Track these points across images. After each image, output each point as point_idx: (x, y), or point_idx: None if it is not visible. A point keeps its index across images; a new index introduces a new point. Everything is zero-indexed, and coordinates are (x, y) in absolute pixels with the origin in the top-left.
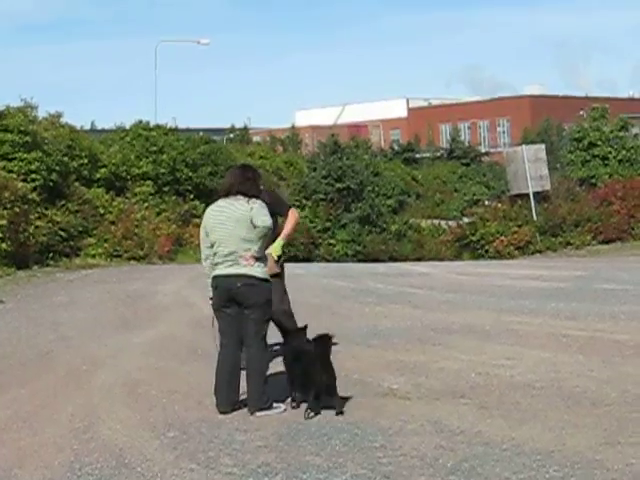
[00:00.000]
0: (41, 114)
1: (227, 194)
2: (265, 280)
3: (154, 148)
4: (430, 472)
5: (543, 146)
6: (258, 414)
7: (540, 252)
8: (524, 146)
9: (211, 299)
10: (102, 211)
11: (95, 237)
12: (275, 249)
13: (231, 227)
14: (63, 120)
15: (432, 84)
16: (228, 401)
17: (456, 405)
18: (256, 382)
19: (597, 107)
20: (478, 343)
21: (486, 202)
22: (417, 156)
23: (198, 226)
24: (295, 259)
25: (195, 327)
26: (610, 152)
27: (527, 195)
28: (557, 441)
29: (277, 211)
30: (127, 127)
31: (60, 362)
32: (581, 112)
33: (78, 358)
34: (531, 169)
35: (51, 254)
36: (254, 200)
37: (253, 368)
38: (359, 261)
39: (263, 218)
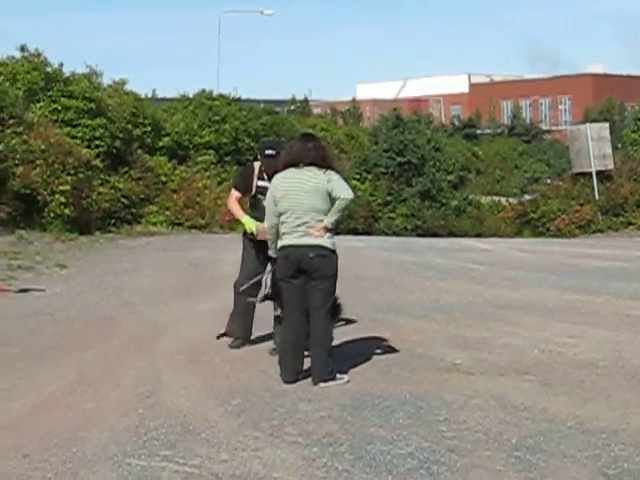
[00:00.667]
0: (105, 81)
1: (298, 164)
2: (334, 252)
3: (217, 118)
4: (495, 447)
5: (607, 125)
6: (322, 385)
7: (601, 231)
8: (588, 124)
9: (276, 269)
10: (164, 179)
11: (157, 205)
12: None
13: (304, 197)
14: (127, 88)
15: (494, 60)
16: (293, 371)
17: (520, 381)
18: (321, 353)
19: None
20: (540, 320)
21: (547, 180)
22: (478, 132)
23: None
24: (355, 232)
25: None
26: None
27: (590, 174)
28: (621, 420)
29: None
30: (190, 96)
31: (123, 327)
32: None
33: (141, 324)
34: (594, 148)
35: (113, 221)
36: (331, 172)
37: (318, 339)
38: (418, 236)
39: (347, 190)
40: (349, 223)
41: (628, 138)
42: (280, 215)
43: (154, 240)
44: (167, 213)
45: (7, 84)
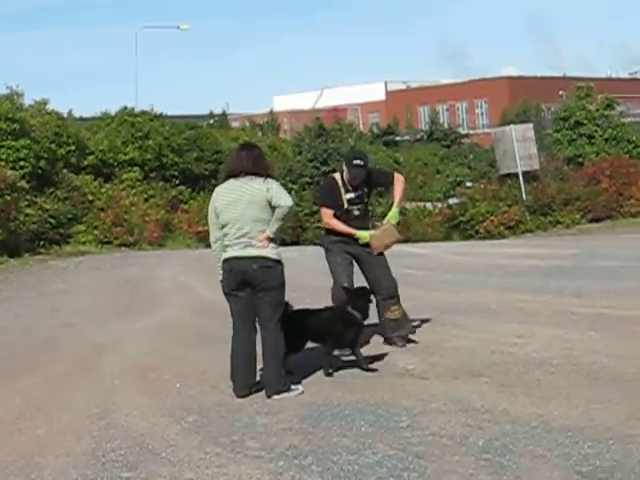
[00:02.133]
0: (27, 102)
1: (237, 174)
2: (279, 262)
3: (140, 134)
4: (463, 451)
5: (531, 125)
6: (276, 397)
7: (530, 231)
8: (512, 126)
9: (222, 282)
10: (91, 198)
11: (85, 224)
12: (394, 217)
13: (244, 208)
14: (49, 107)
15: (410, 67)
16: (245, 385)
17: (476, 384)
18: (273, 365)
19: (582, 86)
20: (486, 322)
21: (468, 184)
22: (397, 139)
23: (186, 212)
24: (283, 243)
25: (196, 312)
26: (596, 131)
27: (516, 175)
28: (585, 417)
29: (380, 182)
30: (112, 114)
31: (66, 349)
32: (560, 92)
33: (83, 344)
34: (520, 149)
35: (42, 242)
36: (270, 180)
37: (270, 351)
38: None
39: (286, 198)
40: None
41: (551, 138)
42: (222, 227)
43: (85, 260)
44: (95, 232)
45: None
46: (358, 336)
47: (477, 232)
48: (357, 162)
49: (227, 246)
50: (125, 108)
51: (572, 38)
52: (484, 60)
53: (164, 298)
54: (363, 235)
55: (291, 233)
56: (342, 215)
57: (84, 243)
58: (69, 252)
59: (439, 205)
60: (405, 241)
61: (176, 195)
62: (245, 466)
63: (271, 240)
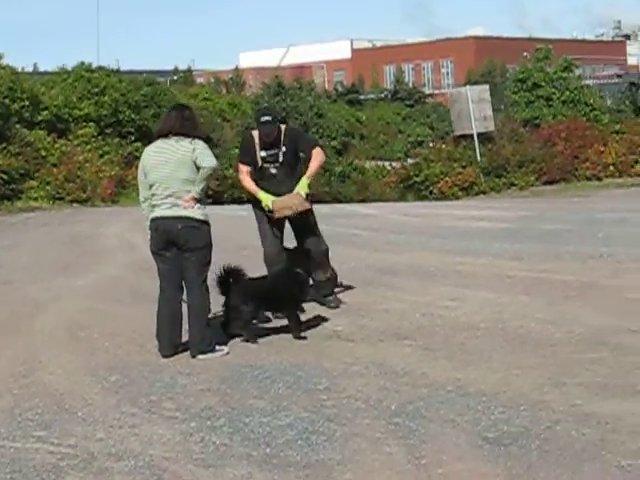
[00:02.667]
0: None
1: (167, 135)
2: (205, 222)
3: (96, 90)
4: (374, 414)
5: (487, 87)
6: (200, 357)
7: (484, 193)
8: (468, 87)
9: (150, 241)
10: (44, 153)
11: (37, 180)
12: (302, 187)
13: (172, 168)
14: (3, 62)
15: (376, 26)
16: (170, 345)
17: (400, 347)
18: (198, 325)
19: (541, 48)
20: (422, 284)
21: (430, 144)
22: (361, 97)
23: None
24: (239, 201)
25: (138, 270)
26: (554, 93)
27: (471, 136)
28: (502, 382)
29: (302, 147)
30: (69, 69)
31: (0, 306)
32: (525, 54)
33: (19, 302)
34: (475, 110)
35: None
36: (197, 141)
37: (195, 311)
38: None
39: (209, 159)
40: (233, 192)
41: (509, 99)
42: (150, 187)
43: (35, 215)
44: (48, 188)
45: None
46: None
47: (431, 193)
48: (264, 118)
49: (154, 206)
50: (82, 64)
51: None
52: (451, 20)
53: (108, 255)
54: (264, 197)
55: (247, 191)
56: (257, 173)
57: (36, 199)
58: (20, 208)
59: (396, 165)
60: (362, 200)
61: (132, 152)
62: (157, 427)
63: (197, 200)
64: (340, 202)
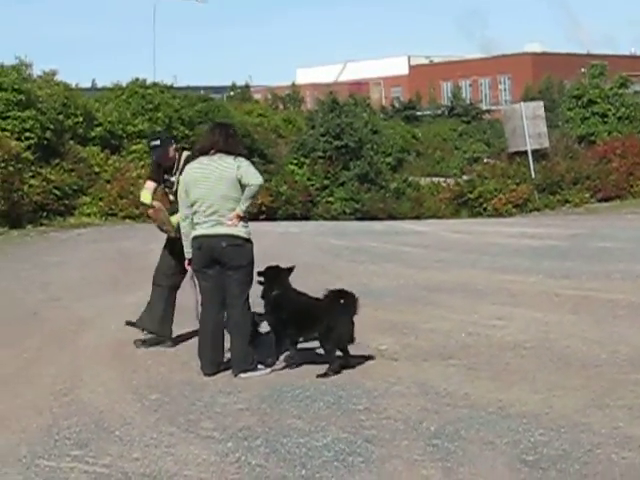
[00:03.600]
0: (36, 72)
1: (208, 152)
2: (249, 240)
3: (150, 106)
4: (413, 436)
5: (542, 103)
6: (242, 376)
7: (538, 210)
8: (522, 103)
9: (190, 260)
10: (97, 169)
11: (90, 196)
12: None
13: (215, 185)
14: (58, 78)
15: (433, 42)
16: (212, 363)
17: (444, 366)
18: (240, 343)
19: (596, 64)
20: (470, 302)
21: (485, 160)
22: (418, 114)
23: None
24: (293, 217)
25: (184, 287)
26: (609, 109)
27: (525, 153)
28: (544, 404)
29: None
30: (124, 85)
31: (47, 322)
32: (582, 69)
33: (65, 318)
34: (529, 126)
35: (45, 213)
36: (241, 158)
37: (237, 329)
38: (357, 219)
39: (256, 176)
40: (287, 209)
41: (564, 116)
42: (192, 205)
43: (86, 232)
44: (101, 204)
45: None
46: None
47: (485, 210)
48: (153, 143)
49: (197, 224)
50: (137, 79)
51: (597, 14)
52: (509, 36)
53: (148, 271)
54: (145, 195)
55: (301, 207)
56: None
57: (89, 215)
58: (72, 224)
59: (450, 181)
60: (416, 217)
61: None
62: (194, 446)
63: (241, 218)
64: (394, 219)
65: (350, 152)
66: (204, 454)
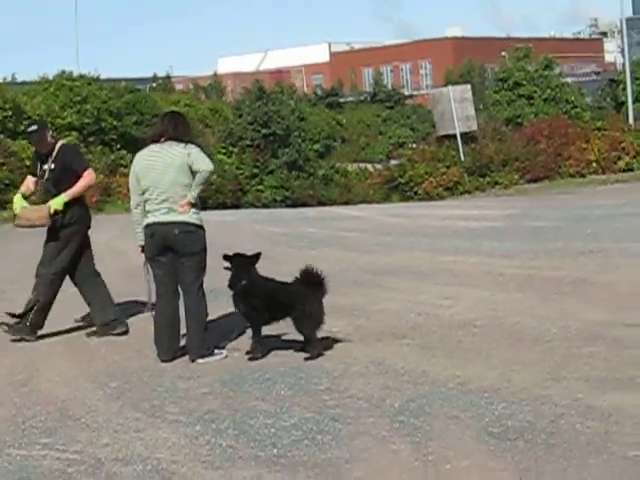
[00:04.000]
0: None
1: (159, 140)
2: (201, 227)
3: (78, 98)
4: (378, 413)
5: (469, 86)
6: (200, 361)
7: (469, 192)
8: (450, 87)
9: (142, 247)
10: (28, 163)
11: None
12: (56, 203)
13: (166, 172)
14: None
15: (353, 28)
16: (169, 350)
17: (399, 346)
18: (196, 329)
19: (521, 47)
20: (415, 284)
21: (411, 145)
22: (341, 100)
23: (125, 176)
24: (224, 206)
25: (129, 277)
26: (535, 91)
27: (454, 136)
28: (502, 378)
29: (73, 166)
30: (50, 78)
31: None
32: (502, 53)
33: (13, 310)
34: (458, 110)
35: None
36: (191, 145)
37: (192, 315)
38: (287, 207)
39: (206, 162)
40: (217, 197)
41: (490, 99)
42: (143, 193)
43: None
44: (33, 198)
45: None
46: None
47: (416, 193)
48: (31, 128)
49: (148, 212)
50: (63, 72)
51: None
52: (429, 20)
53: (98, 263)
54: (15, 202)
55: (231, 196)
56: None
57: None
58: (6, 218)
59: (378, 167)
60: (346, 203)
61: (115, 159)
62: (162, 431)
63: (193, 205)
64: (324, 205)
65: (278, 140)
66: (173, 437)
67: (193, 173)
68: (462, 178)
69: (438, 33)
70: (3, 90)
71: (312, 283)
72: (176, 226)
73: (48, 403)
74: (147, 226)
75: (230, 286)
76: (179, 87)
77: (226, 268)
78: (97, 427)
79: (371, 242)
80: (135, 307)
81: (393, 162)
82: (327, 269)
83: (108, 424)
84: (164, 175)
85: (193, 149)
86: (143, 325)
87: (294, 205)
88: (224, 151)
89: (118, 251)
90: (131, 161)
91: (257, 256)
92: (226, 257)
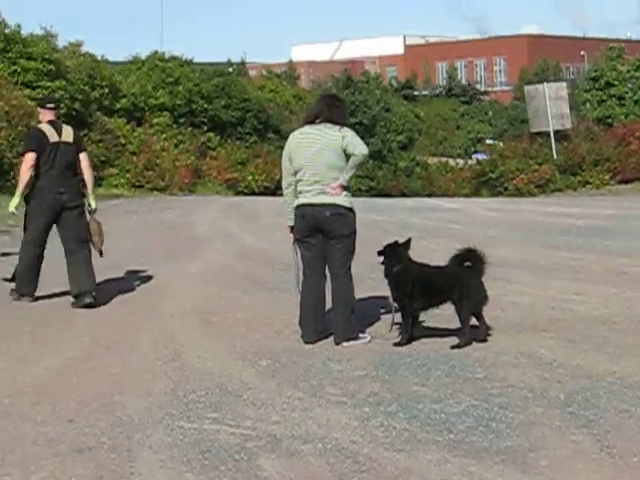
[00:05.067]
0: (60, 43)
1: (313, 121)
2: (351, 210)
3: (170, 79)
4: (545, 404)
5: (564, 84)
6: (345, 344)
7: (560, 190)
8: (545, 84)
9: (292, 228)
10: (123, 141)
11: (117, 167)
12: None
13: (320, 154)
14: (83, 49)
15: (429, 21)
16: (314, 331)
17: (541, 339)
18: (343, 313)
19: (614, 47)
20: (539, 278)
21: (488, 141)
22: (415, 93)
23: (215, 159)
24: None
25: (242, 258)
26: (627, 92)
27: (547, 133)
28: None
29: (83, 147)
30: (142, 58)
31: (120, 290)
32: (582, 53)
33: (137, 286)
34: (552, 107)
35: None
36: (346, 129)
37: (340, 298)
38: (372, 196)
39: (361, 146)
40: None
41: (581, 98)
42: (296, 173)
43: (120, 202)
44: (128, 175)
45: None
46: None
47: (506, 189)
48: (49, 105)
49: (300, 192)
50: (156, 52)
51: None
52: (505, 17)
53: (208, 243)
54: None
55: None
56: None
57: (116, 186)
58: (102, 194)
59: (461, 161)
60: (428, 195)
61: (205, 142)
62: (330, 411)
63: (344, 188)
64: (407, 196)
65: (364, 130)
66: (344, 418)
67: (347, 156)
68: (553, 176)
69: (512, 30)
70: (100, 68)
71: (472, 263)
72: (328, 208)
73: (203, 378)
74: (298, 207)
75: (385, 274)
76: (252, 73)
77: (382, 263)
78: (262, 404)
79: (479, 234)
80: (262, 288)
81: (478, 156)
82: (445, 260)
83: (272, 402)
84: (317, 157)
85: (348, 132)
86: (277, 306)
87: (378, 195)
88: None
89: (228, 233)
90: (219, 144)
91: (408, 242)
92: (380, 252)
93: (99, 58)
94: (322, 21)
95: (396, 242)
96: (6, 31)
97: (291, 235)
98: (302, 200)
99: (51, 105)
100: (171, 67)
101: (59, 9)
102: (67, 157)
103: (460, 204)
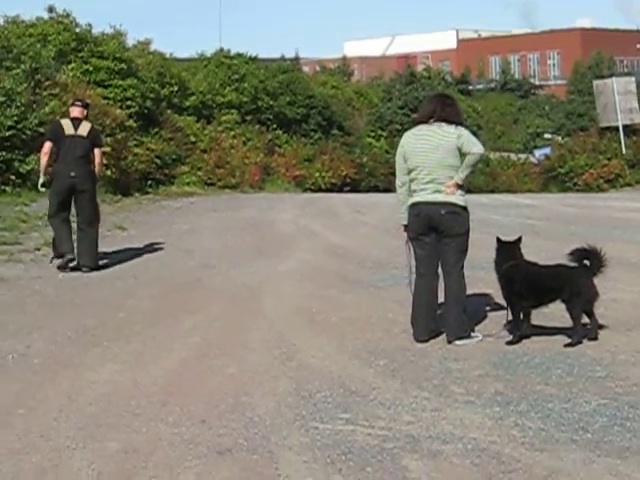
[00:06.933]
0: (128, 42)
1: (427, 120)
2: (465, 208)
3: (236, 76)
4: None
5: (633, 78)
6: (458, 343)
7: (630, 185)
8: (614, 78)
9: (405, 227)
10: (194, 139)
11: (188, 165)
12: None
13: (434, 153)
14: (152, 47)
15: (481, 15)
16: (426, 330)
17: None
18: (456, 311)
19: None
20: (633, 275)
21: (547, 135)
22: (470, 88)
23: (282, 156)
24: (376, 189)
25: (332, 256)
26: None
27: (615, 128)
28: None
29: (98, 143)
30: (207, 55)
31: (216, 289)
32: (638, 46)
33: (231, 285)
34: (621, 101)
35: (149, 182)
36: (461, 127)
37: (453, 297)
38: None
39: (478, 145)
40: (370, 181)
41: None
42: (410, 172)
43: (196, 200)
44: (199, 173)
45: (38, 46)
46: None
47: (575, 184)
48: (77, 103)
49: (414, 191)
50: (221, 50)
51: None
52: (558, 11)
53: (293, 241)
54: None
55: (383, 179)
56: None
57: (188, 184)
58: (176, 192)
59: (522, 156)
60: (491, 191)
61: (272, 139)
62: (461, 410)
63: (459, 187)
64: (470, 192)
65: None
66: (477, 418)
67: (462, 155)
68: (623, 171)
69: (565, 23)
70: (169, 65)
71: (591, 262)
72: (442, 206)
73: (324, 378)
74: (412, 205)
75: (496, 271)
76: (305, 69)
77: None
78: (391, 404)
79: (562, 231)
80: (358, 287)
81: (539, 152)
82: (534, 257)
83: (400, 402)
84: (432, 155)
85: (464, 131)
86: (378, 305)
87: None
88: (373, 134)
89: (311, 231)
90: (286, 141)
91: (519, 240)
92: (500, 242)
93: (167, 56)
94: (374, 16)
95: (506, 240)
96: (77, 30)
97: (404, 233)
98: (417, 198)
99: (78, 103)
100: (237, 64)
101: (124, 7)
102: (81, 148)
103: (534, 200)
